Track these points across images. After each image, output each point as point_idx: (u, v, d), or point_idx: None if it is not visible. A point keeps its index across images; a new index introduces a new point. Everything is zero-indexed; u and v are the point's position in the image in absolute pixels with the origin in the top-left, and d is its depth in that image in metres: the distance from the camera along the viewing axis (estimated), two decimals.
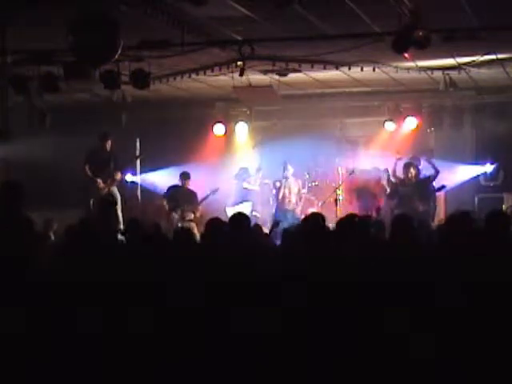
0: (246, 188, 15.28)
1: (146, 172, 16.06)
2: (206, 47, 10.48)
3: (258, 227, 8.61)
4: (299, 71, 12.35)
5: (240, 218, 6.91)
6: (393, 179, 13.56)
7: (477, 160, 14.91)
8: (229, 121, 15.75)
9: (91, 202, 13.43)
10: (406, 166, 13.30)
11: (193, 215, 13.79)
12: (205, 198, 14.03)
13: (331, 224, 8.45)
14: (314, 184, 15.24)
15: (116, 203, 13.10)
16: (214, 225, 6.73)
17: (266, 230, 9.59)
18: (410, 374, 4.64)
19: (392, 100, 15.13)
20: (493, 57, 11.46)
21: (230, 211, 13.48)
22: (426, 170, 13.61)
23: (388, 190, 13.74)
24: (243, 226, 6.73)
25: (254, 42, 10.27)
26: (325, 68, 11.74)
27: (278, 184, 14.40)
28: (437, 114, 15.03)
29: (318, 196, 14.93)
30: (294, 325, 4.79)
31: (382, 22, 9.53)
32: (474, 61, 11.57)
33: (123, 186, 14.97)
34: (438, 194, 13.64)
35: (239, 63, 10.97)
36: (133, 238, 7.54)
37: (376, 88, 14.47)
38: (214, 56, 11.09)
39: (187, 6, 8.41)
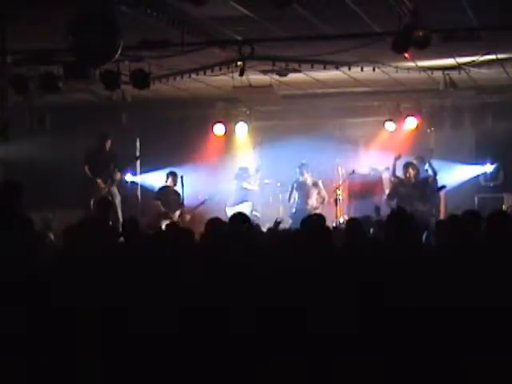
0: (245, 188, 15.27)
1: (146, 172, 16.06)
2: (206, 47, 10.48)
3: (257, 227, 8.61)
4: (299, 71, 12.36)
5: (240, 218, 6.91)
6: (392, 179, 13.56)
7: (477, 160, 14.91)
8: (229, 121, 15.75)
9: (91, 202, 13.42)
10: (405, 167, 13.30)
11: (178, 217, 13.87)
12: (196, 207, 14.08)
13: (331, 224, 8.47)
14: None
15: (115, 203, 13.12)
16: (214, 225, 6.73)
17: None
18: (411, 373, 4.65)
19: (392, 100, 15.13)
20: (493, 57, 11.46)
21: (230, 211, 13.47)
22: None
23: (387, 190, 13.74)
24: (243, 226, 6.73)
25: (254, 41, 10.27)
26: (325, 68, 11.74)
27: (289, 188, 14.42)
28: (437, 114, 15.04)
29: (315, 198, 14.92)
30: (294, 325, 4.79)
31: (382, 22, 9.53)
32: (473, 61, 11.58)
33: (123, 185, 14.97)
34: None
35: (239, 63, 10.97)
36: (131, 237, 7.55)
37: (376, 88, 14.47)
38: (214, 56, 11.09)
39: (187, 6, 8.40)
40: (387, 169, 13.92)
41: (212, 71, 11.87)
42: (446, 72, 12.47)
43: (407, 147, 14.70)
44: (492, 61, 11.66)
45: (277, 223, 8.79)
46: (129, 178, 15.80)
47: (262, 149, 15.81)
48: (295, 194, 14.32)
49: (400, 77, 12.94)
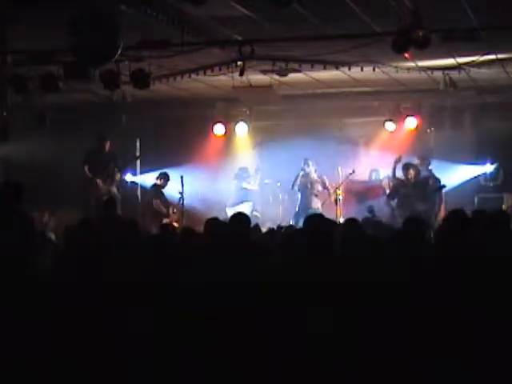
0: (245, 188, 15.28)
1: (146, 172, 16.07)
2: (206, 47, 10.48)
3: (257, 228, 8.61)
4: (299, 71, 12.36)
5: (240, 218, 6.91)
6: (392, 181, 13.57)
7: (477, 160, 14.91)
8: (229, 121, 15.75)
9: (91, 202, 13.43)
10: (406, 167, 13.30)
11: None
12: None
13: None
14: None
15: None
16: (213, 225, 6.74)
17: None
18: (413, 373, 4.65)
19: (392, 100, 15.14)
20: (493, 57, 11.46)
21: (230, 211, 13.48)
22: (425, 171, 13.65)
23: (388, 190, 13.74)
24: (243, 226, 6.73)
25: (254, 41, 10.27)
26: (325, 68, 11.75)
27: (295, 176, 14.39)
28: (437, 114, 15.05)
29: (318, 196, 14.93)
30: (294, 325, 4.79)
31: (382, 22, 9.53)
32: (473, 61, 11.57)
33: (123, 185, 14.98)
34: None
35: (239, 63, 10.97)
36: (131, 237, 7.54)
37: (376, 88, 14.47)
38: (214, 56, 11.09)
39: (187, 5, 8.40)
40: (386, 176, 13.96)
41: (212, 71, 11.87)
42: (446, 72, 12.47)
43: (407, 147, 14.71)
44: (492, 61, 11.66)
45: (279, 228, 8.79)
46: (129, 178, 15.81)
47: (262, 149, 15.82)
48: (298, 185, 14.28)
49: (400, 77, 12.94)
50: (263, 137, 15.86)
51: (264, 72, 12.34)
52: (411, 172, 13.22)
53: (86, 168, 13.91)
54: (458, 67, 12.03)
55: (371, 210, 12.53)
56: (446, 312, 4.80)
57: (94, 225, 7.74)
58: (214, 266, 5.60)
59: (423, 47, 9.16)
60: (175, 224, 13.03)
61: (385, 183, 14.11)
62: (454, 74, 12.51)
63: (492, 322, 4.75)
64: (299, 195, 14.28)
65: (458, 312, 4.80)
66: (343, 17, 9.24)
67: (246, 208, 14.53)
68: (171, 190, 14.38)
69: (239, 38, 10.36)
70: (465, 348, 4.70)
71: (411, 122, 14.85)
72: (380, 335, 4.71)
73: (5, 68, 10.18)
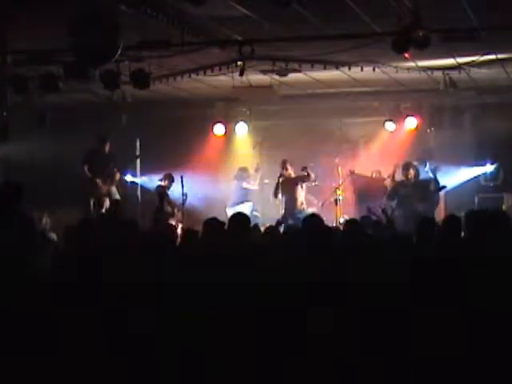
0: (245, 188, 15.28)
1: (145, 172, 16.06)
2: (206, 47, 10.47)
3: (257, 228, 8.61)
4: (299, 71, 12.35)
5: (240, 218, 6.91)
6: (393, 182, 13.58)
7: (477, 160, 14.91)
8: (229, 121, 15.75)
9: (91, 202, 13.44)
10: (406, 167, 13.29)
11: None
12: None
13: (331, 224, 8.46)
14: (313, 184, 15.25)
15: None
16: (212, 225, 6.74)
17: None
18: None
19: (392, 100, 15.13)
20: (493, 57, 11.45)
21: (230, 211, 13.48)
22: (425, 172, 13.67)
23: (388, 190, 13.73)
24: (243, 226, 6.74)
25: (254, 42, 10.26)
26: (325, 68, 11.74)
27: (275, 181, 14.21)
28: (437, 114, 15.05)
29: (318, 196, 14.94)
30: (294, 325, 4.79)
31: (382, 22, 9.52)
32: (473, 61, 11.56)
33: (123, 186, 14.98)
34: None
35: (239, 63, 10.96)
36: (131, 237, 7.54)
37: (376, 88, 14.46)
38: (214, 56, 11.09)
39: (187, 6, 8.39)
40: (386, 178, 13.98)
41: (212, 71, 11.86)
42: (446, 72, 12.46)
43: (407, 147, 14.71)
44: (492, 61, 11.65)
45: (278, 223, 8.78)
46: (129, 178, 15.80)
47: (262, 148, 15.82)
48: (282, 191, 14.05)
49: (400, 77, 12.93)
50: (263, 137, 15.86)
51: (264, 72, 12.33)
52: (411, 172, 13.21)
53: (86, 168, 13.91)
54: (458, 67, 12.02)
55: (369, 210, 12.50)
56: (446, 312, 4.81)
57: (94, 225, 7.74)
58: (213, 266, 5.60)
59: (423, 47, 9.15)
60: (179, 224, 13.05)
61: (387, 182, 14.08)
62: (454, 74, 12.50)
63: (492, 322, 4.75)
64: (283, 199, 14.06)
65: (458, 312, 4.80)
66: (343, 17, 9.23)
67: (246, 208, 14.53)
68: (171, 190, 14.38)
69: (239, 38, 10.35)
70: (465, 348, 4.70)
71: (411, 122, 14.85)
72: (380, 335, 4.72)
73: (5, 68, 10.18)
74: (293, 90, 14.42)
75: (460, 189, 14.56)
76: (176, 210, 14.07)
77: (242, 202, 15.14)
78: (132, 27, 8.64)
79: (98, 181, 13.82)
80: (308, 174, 13.90)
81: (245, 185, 15.28)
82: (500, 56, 11.52)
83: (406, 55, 9.90)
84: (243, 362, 4.77)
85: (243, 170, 15.42)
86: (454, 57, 11.56)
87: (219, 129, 15.55)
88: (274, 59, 11.52)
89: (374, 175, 15.01)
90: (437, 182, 13.40)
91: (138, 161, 16.05)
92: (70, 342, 4.95)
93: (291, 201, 13.66)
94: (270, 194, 15.08)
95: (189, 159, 15.20)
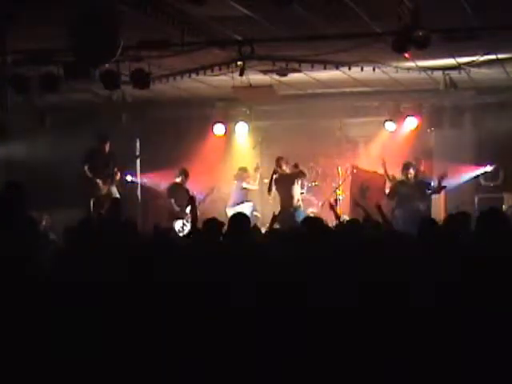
0: (245, 188, 15.28)
1: (145, 172, 16.06)
2: (206, 47, 10.47)
3: (257, 228, 8.60)
4: (299, 71, 12.35)
5: (240, 218, 6.92)
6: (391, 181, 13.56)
7: (477, 160, 14.91)
8: (229, 121, 15.75)
9: (91, 202, 13.43)
10: (405, 167, 13.28)
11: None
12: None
13: (331, 224, 8.46)
14: (313, 184, 15.25)
15: None
16: (211, 225, 6.75)
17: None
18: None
19: (392, 100, 15.12)
20: (493, 57, 11.45)
21: (230, 211, 13.48)
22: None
23: (387, 190, 13.72)
24: (243, 226, 6.74)
25: (254, 41, 10.27)
26: (325, 68, 11.73)
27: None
28: (437, 114, 15.04)
29: (318, 196, 14.94)
30: (294, 325, 4.79)
31: (382, 22, 9.52)
32: (473, 61, 11.57)
33: (123, 185, 14.98)
34: (437, 194, 13.56)
35: (239, 63, 10.97)
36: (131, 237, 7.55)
37: (376, 88, 14.46)
38: (214, 56, 11.09)
39: (187, 6, 8.40)
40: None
41: (212, 71, 11.86)
42: (446, 72, 12.46)
43: (407, 147, 14.71)
44: (492, 61, 11.65)
45: (274, 216, 8.76)
46: (129, 178, 15.80)
47: (262, 148, 15.82)
48: (276, 188, 13.81)
49: (400, 77, 12.93)
50: (263, 136, 15.86)
51: (264, 72, 12.34)
52: (411, 171, 13.20)
53: (86, 168, 13.91)
54: (458, 67, 12.02)
55: (357, 204, 12.44)
56: (446, 312, 4.81)
57: (94, 225, 7.74)
58: (213, 266, 5.60)
59: (423, 47, 9.16)
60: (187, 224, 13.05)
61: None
62: (454, 74, 12.50)
63: (491, 322, 4.75)
64: (279, 196, 13.90)
65: (458, 312, 4.80)
66: (343, 17, 9.24)
67: (246, 208, 14.52)
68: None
69: (239, 38, 10.35)
70: (464, 348, 4.70)
71: (411, 122, 14.85)
72: (380, 335, 4.72)
73: (5, 68, 10.17)
74: (293, 90, 14.42)
75: (460, 189, 14.54)
76: (183, 211, 14.12)
77: (242, 202, 15.13)
78: (132, 27, 8.65)
79: (98, 181, 13.82)
80: (302, 172, 13.74)
81: (245, 185, 15.28)
82: (500, 56, 11.52)
83: (406, 55, 9.91)
84: (243, 362, 4.77)
85: (243, 169, 15.41)
86: (454, 57, 11.56)
87: (219, 129, 15.55)
88: (274, 59, 11.52)
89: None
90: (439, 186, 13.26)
91: (138, 161, 16.03)
92: (69, 342, 4.95)
93: (287, 198, 13.58)
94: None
95: (189, 159, 15.20)
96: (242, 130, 15.79)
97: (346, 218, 13.04)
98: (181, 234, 12.94)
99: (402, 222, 12.03)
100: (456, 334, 4.71)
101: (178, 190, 14.30)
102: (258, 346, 4.79)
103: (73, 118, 15.04)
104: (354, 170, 14.46)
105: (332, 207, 10.31)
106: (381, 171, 14.20)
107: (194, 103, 15.36)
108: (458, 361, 4.65)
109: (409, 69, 12.10)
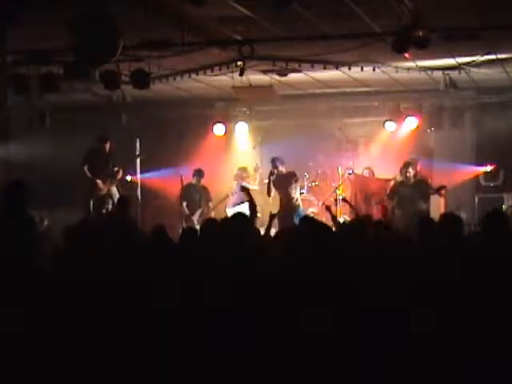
0: None
1: (145, 172, 16.06)
2: (206, 47, 10.48)
3: (257, 228, 8.59)
4: (299, 71, 12.35)
5: (240, 218, 6.90)
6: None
7: (477, 160, 14.91)
8: (229, 121, 15.75)
9: (91, 202, 13.43)
10: (405, 166, 13.27)
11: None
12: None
13: (331, 224, 8.45)
14: (313, 184, 15.24)
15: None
16: (210, 225, 6.75)
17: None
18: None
19: (392, 100, 15.12)
20: (493, 57, 11.45)
21: (230, 211, 13.47)
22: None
23: (387, 190, 13.71)
24: (243, 226, 6.73)
25: (254, 41, 10.27)
26: (325, 68, 11.74)
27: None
28: (437, 114, 15.04)
29: (318, 196, 14.92)
30: (294, 325, 4.79)
31: (382, 22, 9.53)
32: (474, 61, 11.57)
33: (123, 185, 14.97)
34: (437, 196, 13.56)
35: (239, 63, 10.97)
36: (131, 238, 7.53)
37: (376, 88, 14.47)
38: (214, 56, 11.09)
39: (187, 6, 8.40)
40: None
41: (212, 71, 11.86)
42: (446, 72, 12.47)
43: (407, 147, 14.71)
44: (492, 61, 11.65)
45: (271, 216, 8.75)
46: (129, 178, 15.80)
47: (262, 148, 15.81)
48: (274, 189, 13.70)
49: (400, 77, 12.93)
50: (263, 136, 15.85)
51: (264, 72, 12.33)
52: (410, 171, 13.19)
53: (86, 168, 13.90)
54: (458, 67, 12.03)
55: (350, 205, 12.46)
56: (446, 312, 4.81)
57: (94, 225, 7.74)
58: (213, 266, 5.60)
59: (423, 47, 9.16)
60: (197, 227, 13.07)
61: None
62: (454, 74, 12.51)
63: (491, 322, 4.75)
64: (279, 196, 13.82)
65: (458, 312, 4.80)
66: (343, 17, 9.24)
67: (246, 208, 14.49)
68: None
69: (239, 38, 10.35)
70: (464, 348, 4.70)
71: (411, 122, 14.84)
72: (380, 335, 4.72)
73: (5, 68, 10.17)
74: (293, 90, 14.43)
75: (460, 189, 14.54)
76: (193, 214, 14.19)
77: (242, 202, 15.11)
78: (132, 27, 8.65)
79: (98, 181, 13.81)
80: (295, 177, 13.54)
81: (245, 185, 15.26)
82: (500, 56, 11.52)
83: (406, 55, 9.91)
84: (243, 363, 4.77)
85: (243, 169, 15.40)
86: (453, 57, 11.56)
87: (219, 129, 15.55)
88: (274, 59, 11.53)
89: (364, 172, 14.87)
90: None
91: (138, 160, 16.03)
92: (69, 341, 4.95)
93: (285, 198, 13.56)
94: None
95: (188, 159, 15.20)
96: (241, 129, 15.79)
97: (346, 218, 13.09)
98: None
99: (402, 222, 12.01)
100: (456, 334, 4.71)
101: (191, 192, 14.37)
102: (258, 346, 4.79)
103: (73, 117, 15.04)
104: (352, 177, 14.44)
105: (328, 208, 10.26)
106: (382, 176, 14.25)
107: (194, 103, 15.36)
108: (458, 361, 4.65)
109: (409, 69, 12.10)
